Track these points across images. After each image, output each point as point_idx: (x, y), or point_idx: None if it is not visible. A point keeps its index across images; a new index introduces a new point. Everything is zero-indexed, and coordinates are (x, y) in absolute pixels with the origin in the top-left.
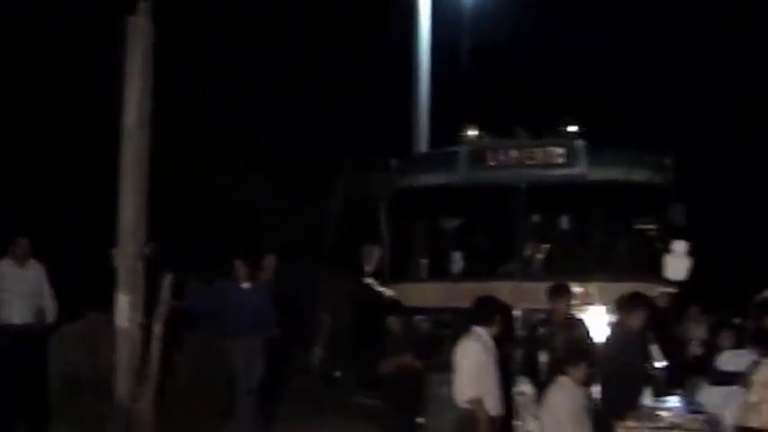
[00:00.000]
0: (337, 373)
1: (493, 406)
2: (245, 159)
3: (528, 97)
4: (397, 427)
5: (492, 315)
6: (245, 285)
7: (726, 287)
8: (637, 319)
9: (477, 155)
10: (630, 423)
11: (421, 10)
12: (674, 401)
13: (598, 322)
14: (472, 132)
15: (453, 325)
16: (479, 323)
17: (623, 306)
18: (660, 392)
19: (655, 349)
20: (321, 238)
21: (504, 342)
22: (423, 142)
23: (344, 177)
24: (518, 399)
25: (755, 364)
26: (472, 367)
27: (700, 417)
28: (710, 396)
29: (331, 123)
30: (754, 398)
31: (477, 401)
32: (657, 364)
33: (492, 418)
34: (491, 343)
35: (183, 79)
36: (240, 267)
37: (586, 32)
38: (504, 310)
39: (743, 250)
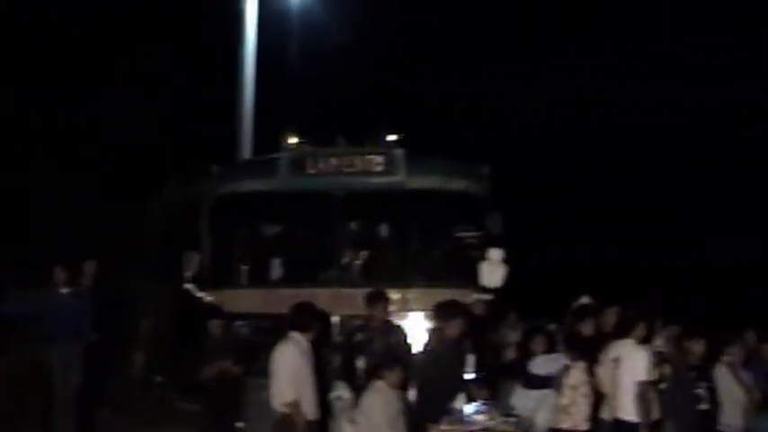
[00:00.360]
0: (158, 379)
1: (310, 410)
2: (69, 162)
3: (355, 104)
4: None
5: (309, 321)
6: (64, 290)
7: (543, 294)
8: (455, 327)
9: (297, 162)
10: (444, 427)
11: (247, 16)
12: (487, 405)
13: (416, 328)
14: (293, 140)
15: (272, 331)
16: (297, 329)
17: (441, 314)
18: (474, 397)
19: (471, 356)
20: (145, 242)
21: (321, 347)
22: (246, 148)
23: (169, 182)
24: (335, 403)
25: (566, 367)
26: (289, 371)
27: (512, 420)
28: (523, 399)
29: (159, 128)
30: (564, 400)
31: (295, 405)
32: (472, 370)
33: (309, 422)
34: (308, 348)
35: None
36: (59, 272)
37: (421, 38)
38: (322, 316)
39: (563, 258)
